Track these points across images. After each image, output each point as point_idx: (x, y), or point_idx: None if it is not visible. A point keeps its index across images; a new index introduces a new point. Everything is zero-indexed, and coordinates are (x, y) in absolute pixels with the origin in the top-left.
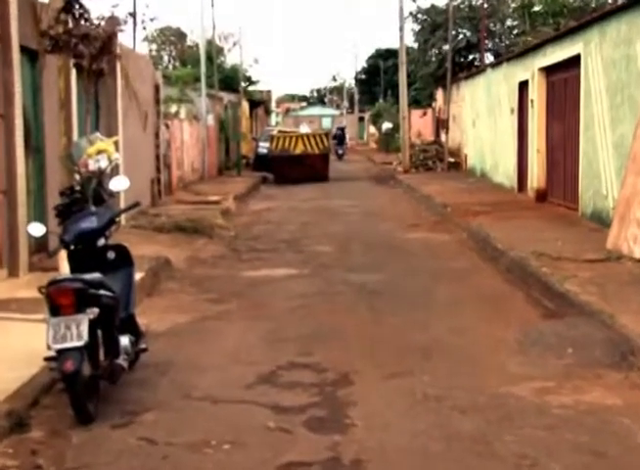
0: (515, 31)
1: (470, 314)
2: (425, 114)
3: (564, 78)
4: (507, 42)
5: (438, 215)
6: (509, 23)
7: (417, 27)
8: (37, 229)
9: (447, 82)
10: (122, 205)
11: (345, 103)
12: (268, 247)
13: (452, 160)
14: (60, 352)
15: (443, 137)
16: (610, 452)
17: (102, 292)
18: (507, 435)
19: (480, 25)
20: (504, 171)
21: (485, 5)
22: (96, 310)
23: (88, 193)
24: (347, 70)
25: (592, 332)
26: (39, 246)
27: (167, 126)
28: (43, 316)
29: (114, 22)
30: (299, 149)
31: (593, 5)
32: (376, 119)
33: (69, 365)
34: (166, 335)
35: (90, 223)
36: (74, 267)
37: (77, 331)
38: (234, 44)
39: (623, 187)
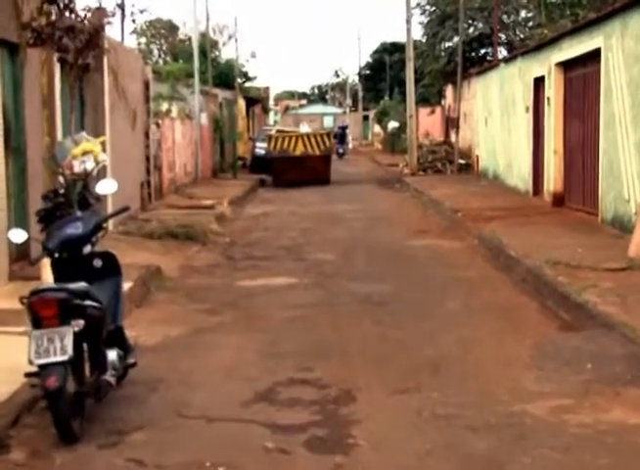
0: (530, 23)
1: (481, 327)
2: (433, 112)
3: (582, 74)
4: (522, 35)
5: (448, 221)
6: (524, 14)
7: (425, 19)
8: (18, 235)
9: (458, 78)
10: (110, 209)
11: (348, 100)
12: (266, 254)
13: (463, 161)
14: (42, 367)
15: (453, 137)
16: None
17: (88, 302)
18: (521, 456)
19: (492, 17)
20: (518, 174)
21: None
22: (81, 322)
23: (73, 197)
24: (351, 66)
25: (612, 346)
26: (20, 253)
27: (158, 126)
28: (24, 329)
29: (101, 13)
30: (299, 150)
31: None
32: (381, 118)
33: (53, 381)
34: (157, 349)
35: (75, 229)
36: (58, 276)
37: (61, 345)
38: (229, 37)
39: None
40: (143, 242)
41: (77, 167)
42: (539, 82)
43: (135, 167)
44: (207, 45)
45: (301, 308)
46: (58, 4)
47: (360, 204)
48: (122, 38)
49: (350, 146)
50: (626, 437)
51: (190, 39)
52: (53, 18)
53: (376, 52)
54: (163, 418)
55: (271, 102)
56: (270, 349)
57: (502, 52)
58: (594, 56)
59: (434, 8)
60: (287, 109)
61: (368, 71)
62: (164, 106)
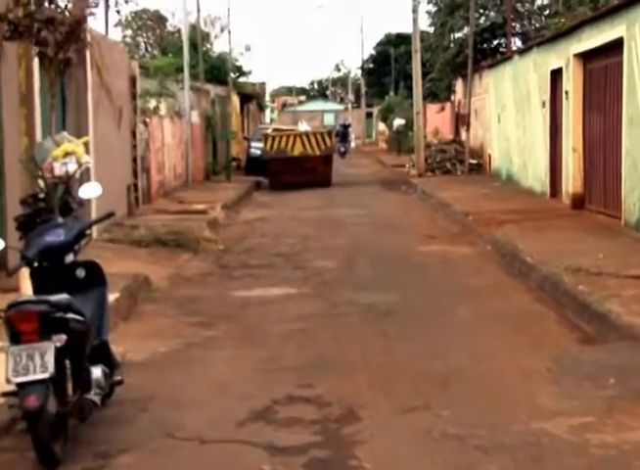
0: (546, 12)
1: (495, 339)
2: (442, 108)
3: (603, 66)
4: (537, 24)
5: (458, 225)
6: (539, 2)
7: (433, 8)
8: None
9: (468, 72)
10: (94, 215)
11: (351, 96)
12: (262, 262)
13: (474, 161)
14: (21, 385)
15: (464, 135)
16: None
17: (70, 316)
18: None
19: (505, 5)
20: (534, 174)
21: None
22: (63, 337)
23: (54, 202)
24: (353, 59)
25: (638, 359)
26: None
27: (146, 124)
28: (1, 344)
29: (82, 4)
30: (298, 150)
31: None
32: (386, 115)
33: (33, 401)
34: (145, 365)
35: (56, 237)
36: (38, 287)
37: (42, 361)
38: (222, 29)
39: None
40: (130, 250)
41: (58, 170)
42: (556, 75)
43: (121, 170)
44: (198, 38)
45: (301, 320)
46: None
47: (363, 207)
48: (106, 31)
49: (353, 145)
50: None
51: (179, 31)
52: (31, 8)
53: (380, 44)
54: (152, 440)
55: (267, 98)
56: (267, 364)
57: (516, 43)
58: (616, 46)
59: None
60: (284, 106)
61: (371, 65)
62: (152, 103)
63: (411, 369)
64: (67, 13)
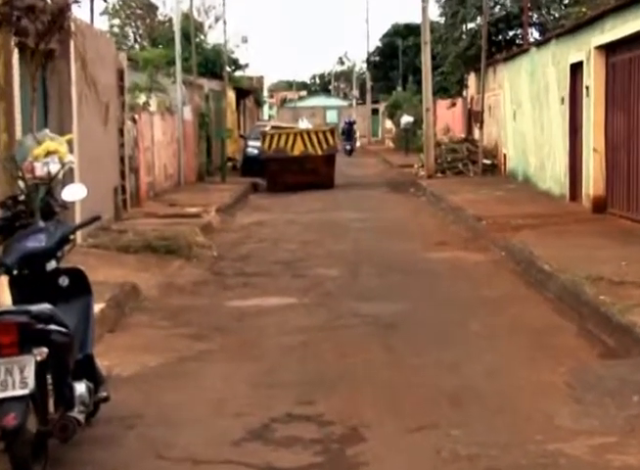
0: (566, 1)
1: (510, 353)
2: (454, 104)
3: (627, 59)
4: (556, 14)
5: (471, 231)
6: None
7: None
8: None
9: (482, 65)
10: (78, 219)
11: (355, 92)
12: (260, 270)
13: (488, 161)
14: None
15: (477, 134)
16: None
17: (52, 327)
18: None
19: None
20: (552, 176)
21: None
22: (45, 350)
23: (35, 204)
24: (358, 51)
25: None
26: None
27: (134, 121)
28: None
29: None
30: (298, 149)
31: None
32: (393, 112)
33: (11, 419)
34: (134, 380)
35: (38, 242)
36: (18, 297)
37: (21, 377)
38: (216, 19)
39: None
40: (117, 256)
41: (40, 170)
42: (577, 69)
43: (107, 170)
44: (191, 28)
45: (301, 333)
46: None
47: (368, 211)
48: (92, 20)
49: (358, 144)
50: None
51: (171, 21)
52: None
53: (386, 35)
54: (141, 461)
55: (265, 93)
56: (265, 379)
57: (533, 34)
58: None
59: None
60: (284, 101)
61: (377, 58)
62: (142, 98)
63: (419, 385)
64: (49, 0)
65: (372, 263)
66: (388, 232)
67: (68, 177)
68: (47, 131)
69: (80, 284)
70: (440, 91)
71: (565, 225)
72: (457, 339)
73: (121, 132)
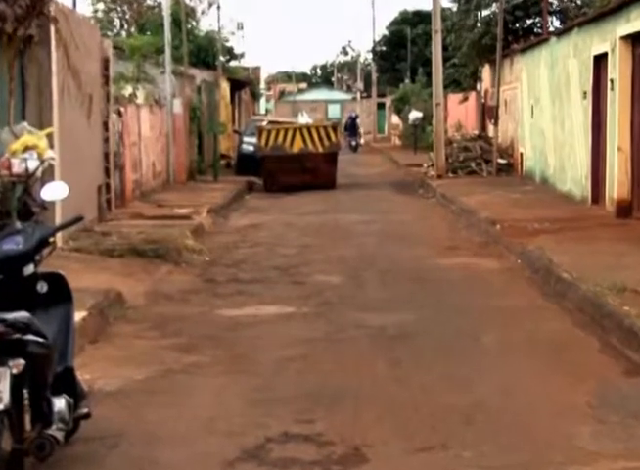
0: None
1: (526, 369)
2: (466, 99)
3: None
4: (579, 1)
5: (484, 236)
6: None
7: None
8: None
9: (497, 56)
10: (58, 220)
11: (360, 84)
12: (255, 277)
13: (503, 161)
14: None
15: (491, 131)
16: None
17: (29, 337)
18: None
19: None
20: (573, 177)
21: None
22: (21, 362)
23: (11, 204)
24: (363, 41)
25: None
26: None
27: (120, 114)
28: None
29: None
30: (297, 146)
31: None
32: (400, 107)
33: None
34: (117, 395)
35: (14, 245)
36: None
37: None
38: (210, 4)
39: None
40: (100, 261)
41: (17, 167)
42: (600, 61)
43: (90, 167)
44: (182, 13)
45: (299, 345)
46: None
47: (373, 214)
48: (74, 4)
49: (362, 141)
50: None
51: (160, 6)
52: None
53: (394, 23)
54: None
55: (262, 86)
56: (260, 395)
57: (553, 23)
58: None
59: None
60: (282, 94)
61: (384, 48)
62: (128, 89)
63: (427, 403)
64: None
65: (376, 270)
66: (393, 237)
67: (48, 175)
68: (25, 124)
69: (60, 290)
70: (452, 84)
71: (586, 231)
72: (468, 353)
73: (106, 126)
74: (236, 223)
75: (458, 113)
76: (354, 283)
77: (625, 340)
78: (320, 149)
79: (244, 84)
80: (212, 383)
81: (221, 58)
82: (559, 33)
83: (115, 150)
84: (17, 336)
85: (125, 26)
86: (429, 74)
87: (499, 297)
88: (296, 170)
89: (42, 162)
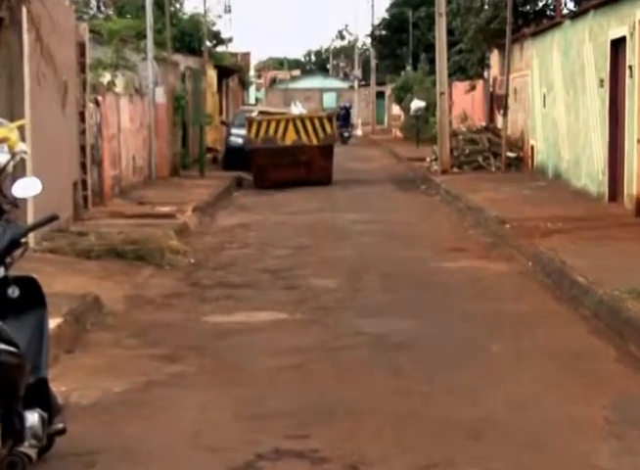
0: None
1: (538, 380)
2: (473, 87)
3: None
4: None
5: (492, 236)
6: None
7: None
8: None
9: (506, 41)
10: (31, 219)
11: (357, 71)
12: (244, 280)
13: (512, 154)
14: None
15: (500, 122)
16: None
17: (0, 346)
18: None
19: None
20: (588, 172)
21: None
22: None
23: None
24: (360, 24)
25: None
26: None
27: (97, 104)
28: None
29: None
30: (290, 138)
31: None
32: (401, 96)
33: None
34: (94, 409)
35: None
36: None
37: None
38: None
39: None
40: (76, 263)
41: None
42: (618, 46)
43: (66, 162)
44: None
45: (293, 354)
46: None
47: (372, 212)
48: None
49: (360, 133)
50: None
51: None
52: None
53: (394, 5)
54: None
55: (252, 73)
56: (250, 408)
57: (567, 4)
58: None
59: None
60: (273, 82)
61: (384, 32)
62: (106, 77)
63: (431, 416)
64: None
65: (376, 273)
66: (394, 237)
67: (20, 170)
68: None
69: (33, 295)
70: (457, 72)
71: (603, 230)
72: (475, 362)
73: (82, 117)
74: (223, 222)
75: (464, 102)
76: (352, 287)
77: None
78: (315, 141)
79: (232, 71)
80: (197, 395)
81: (207, 43)
82: (573, 16)
83: (93, 143)
84: None
85: (103, 9)
86: (432, 61)
87: (509, 302)
88: (288, 165)
89: (13, 156)
